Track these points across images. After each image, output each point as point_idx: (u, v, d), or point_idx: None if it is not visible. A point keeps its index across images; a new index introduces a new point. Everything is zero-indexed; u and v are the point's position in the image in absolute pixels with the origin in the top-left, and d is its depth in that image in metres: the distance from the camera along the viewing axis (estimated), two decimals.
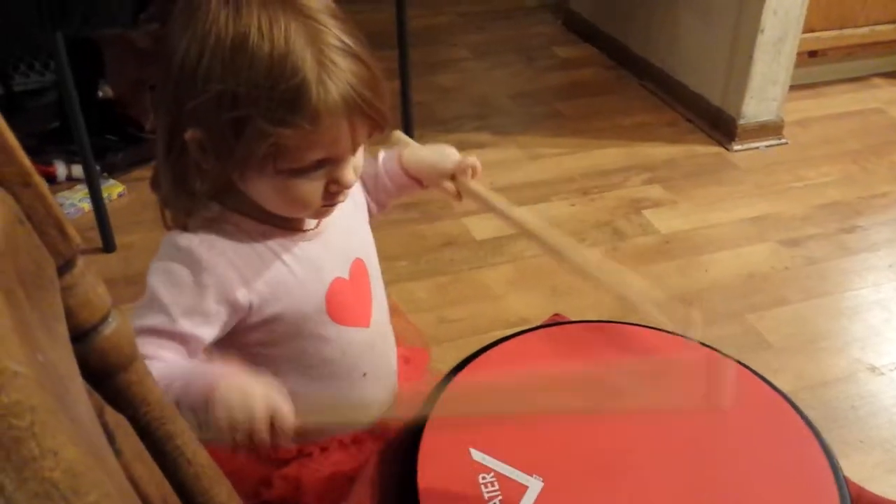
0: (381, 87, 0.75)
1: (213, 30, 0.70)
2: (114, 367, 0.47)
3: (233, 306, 0.79)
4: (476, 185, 0.96)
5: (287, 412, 0.70)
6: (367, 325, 0.90)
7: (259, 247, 0.81)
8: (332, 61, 0.70)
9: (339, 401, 0.91)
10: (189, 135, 0.74)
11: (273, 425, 0.70)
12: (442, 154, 0.97)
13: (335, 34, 0.72)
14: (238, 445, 0.71)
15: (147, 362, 0.72)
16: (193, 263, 0.76)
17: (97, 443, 0.37)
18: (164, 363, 0.74)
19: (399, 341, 1.03)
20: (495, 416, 0.78)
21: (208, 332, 0.78)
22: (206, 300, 0.77)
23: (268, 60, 0.69)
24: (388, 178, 0.98)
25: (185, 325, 0.76)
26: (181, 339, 0.76)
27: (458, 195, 0.97)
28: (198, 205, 0.80)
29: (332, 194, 0.78)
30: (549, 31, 3.10)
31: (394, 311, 1.08)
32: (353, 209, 0.91)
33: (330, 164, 0.76)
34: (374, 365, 0.92)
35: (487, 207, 0.98)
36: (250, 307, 0.80)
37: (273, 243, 0.82)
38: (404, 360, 1.02)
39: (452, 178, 0.96)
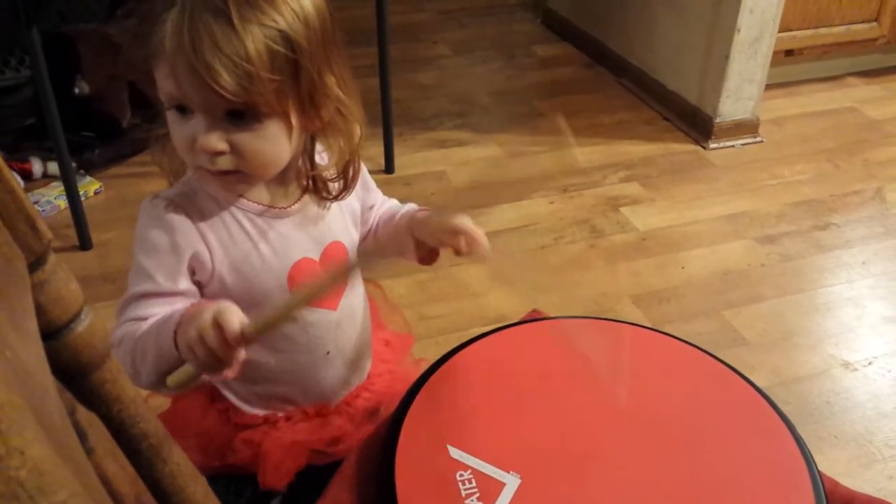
0: (236, 63, 0.71)
1: None
2: (87, 365, 0.47)
3: (198, 266, 0.82)
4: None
5: (230, 317, 0.71)
6: (335, 308, 0.91)
7: (227, 216, 0.83)
8: (195, 11, 0.72)
9: (300, 380, 0.92)
10: None
11: (221, 331, 0.70)
12: (446, 211, 0.90)
13: None
14: (203, 365, 0.72)
15: (139, 324, 0.77)
16: (164, 225, 0.81)
17: (67, 441, 0.36)
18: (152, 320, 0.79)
19: (383, 325, 1.05)
20: None
21: (192, 287, 0.82)
22: (180, 259, 0.81)
23: None
24: (395, 227, 0.95)
25: (170, 285, 0.81)
26: (171, 295, 0.81)
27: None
28: (173, 158, 0.83)
29: (197, 153, 0.77)
30: (529, 30, 3.11)
31: (382, 298, 1.09)
32: (344, 201, 0.91)
33: (190, 115, 0.76)
34: (339, 345, 0.93)
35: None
36: (213, 272, 0.83)
37: (242, 216, 0.84)
38: (385, 342, 1.04)
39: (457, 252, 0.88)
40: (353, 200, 0.93)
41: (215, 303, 0.74)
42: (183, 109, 0.76)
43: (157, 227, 0.81)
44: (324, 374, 0.93)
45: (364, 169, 0.95)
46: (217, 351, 0.70)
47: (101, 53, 2.10)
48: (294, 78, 0.76)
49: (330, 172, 0.87)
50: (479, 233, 0.86)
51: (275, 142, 0.78)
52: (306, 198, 0.88)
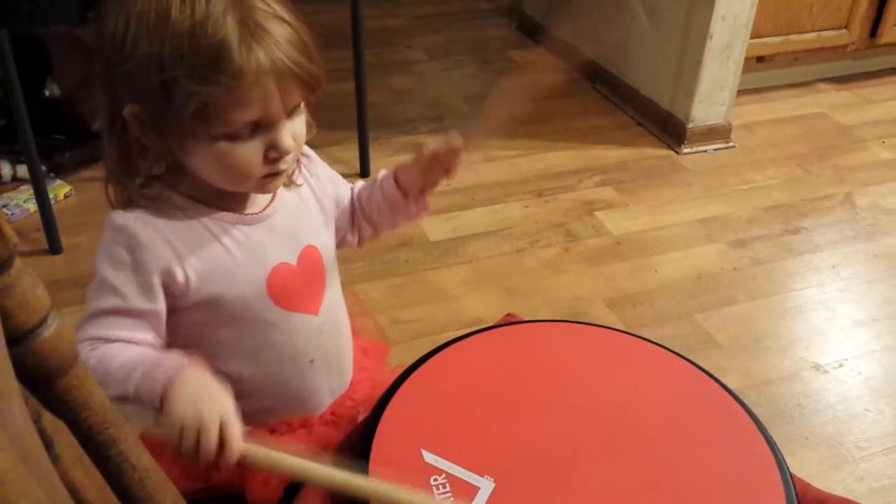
0: (311, 49, 0.76)
1: (139, 1, 0.73)
2: (53, 371, 0.46)
3: (169, 281, 0.80)
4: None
5: (237, 428, 0.71)
6: (316, 313, 0.90)
7: (198, 227, 0.82)
8: (256, 23, 0.72)
9: (285, 391, 0.91)
10: (127, 111, 0.75)
11: (221, 437, 0.70)
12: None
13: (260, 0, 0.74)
14: (184, 449, 0.71)
15: (117, 346, 0.76)
16: (131, 241, 0.78)
17: (31, 449, 0.36)
18: (130, 350, 0.77)
19: (359, 334, 1.04)
20: None
21: (160, 306, 0.80)
22: (149, 276, 0.79)
23: (189, 22, 0.71)
24: (381, 191, 0.95)
25: (139, 303, 0.78)
26: (139, 314, 0.79)
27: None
28: (142, 184, 0.81)
29: (271, 161, 0.78)
30: (504, 34, 3.12)
31: (356, 305, 1.08)
32: (310, 197, 0.92)
33: (264, 129, 0.76)
34: (322, 352, 0.92)
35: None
36: (187, 284, 0.81)
37: (213, 225, 0.83)
38: (362, 351, 1.03)
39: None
40: (324, 200, 0.93)
41: (217, 392, 0.72)
42: (254, 128, 0.76)
43: (124, 243, 0.79)
44: (308, 383, 0.92)
45: (326, 165, 0.96)
46: (207, 458, 0.70)
47: (72, 55, 2.07)
48: None
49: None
50: (454, 145, 0.87)
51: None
52: (276, 202, 0.87)
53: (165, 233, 0.80)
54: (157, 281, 0.79)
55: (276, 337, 0.88)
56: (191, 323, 0.84)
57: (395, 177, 0.94)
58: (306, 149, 0.92)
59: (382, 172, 0.96)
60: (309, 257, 0.90)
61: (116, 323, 0.78)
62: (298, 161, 0.88)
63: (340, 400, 0.97)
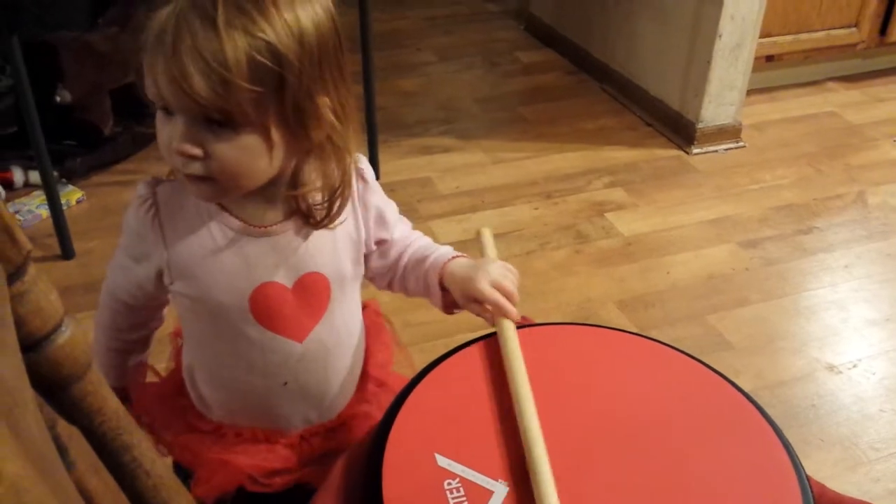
0: (215, 67, 0.69)
1: None
2: (68, 378, 0.46)
3: (152, 262, 0.84)
4: (510, 333, 0.89)
5: None
6: (300, 341, 0.87)
7: (203, 222, 0.83)
8: (184, 10, 0.70)
9: (252, 402, 0.91)
10: None
11: None
12: (480, 270, 0.92)
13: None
14: None
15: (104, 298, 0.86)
16: (133, 212, 0.83)
17: (47, 457, 0.36)
18: (107, 325, 0.90)
19: (387, 364, 1.02)
20: None
21: (143, 273, 0.85)
22: (134, 252, 0.85)
23: None
24: (425, 275, 0.94)
25: (129, 264, 0.86)
26: (130, 273, 0.86)
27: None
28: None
29: (173, 154, 0.75)
30: (513, 36, 3.12)
31: (390, 335, 1.07)
32: (344, 229, 0.87)
33: (172, 115, 0.74)
34: (298, 378, 0.89)
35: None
36: (164, 277, 0.84)
37: (216, 226, 0.83)
38: (379, 383, 0.99)
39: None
40: (356, 231, 0.89)
41: None
42: (166, 109, 0.74)
43: (131, 211, 0.83)
44: (278, 403, 0.90)
45: (390, 204, 0.92)
46: None
47: (82, 61, 2.08)
48: (278, 93, 0.73)
49: (315, 198, 0.83)
50: (504, 302, 0.91)
51: (251, 154, 0.75)
52: (291, 221, 0.84)
53: (166, 219, 0.82)
54: (145, 252, 0.84)
55: (251, 351, 0.86)
56: (179, 305, 0.88)
57: (443, 278, 0.93)
58: (367, 174, 0.89)
59: (436, 256, 0.94)
60: (310, 284, 0.86)
61: (113, 275, 0.88)
62: (339, 200, 0.83)
63: (316, 429, 0.94)
